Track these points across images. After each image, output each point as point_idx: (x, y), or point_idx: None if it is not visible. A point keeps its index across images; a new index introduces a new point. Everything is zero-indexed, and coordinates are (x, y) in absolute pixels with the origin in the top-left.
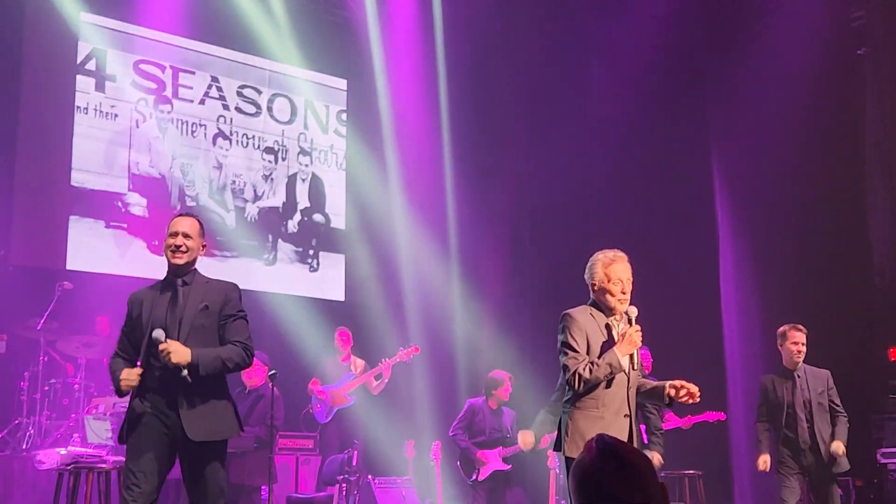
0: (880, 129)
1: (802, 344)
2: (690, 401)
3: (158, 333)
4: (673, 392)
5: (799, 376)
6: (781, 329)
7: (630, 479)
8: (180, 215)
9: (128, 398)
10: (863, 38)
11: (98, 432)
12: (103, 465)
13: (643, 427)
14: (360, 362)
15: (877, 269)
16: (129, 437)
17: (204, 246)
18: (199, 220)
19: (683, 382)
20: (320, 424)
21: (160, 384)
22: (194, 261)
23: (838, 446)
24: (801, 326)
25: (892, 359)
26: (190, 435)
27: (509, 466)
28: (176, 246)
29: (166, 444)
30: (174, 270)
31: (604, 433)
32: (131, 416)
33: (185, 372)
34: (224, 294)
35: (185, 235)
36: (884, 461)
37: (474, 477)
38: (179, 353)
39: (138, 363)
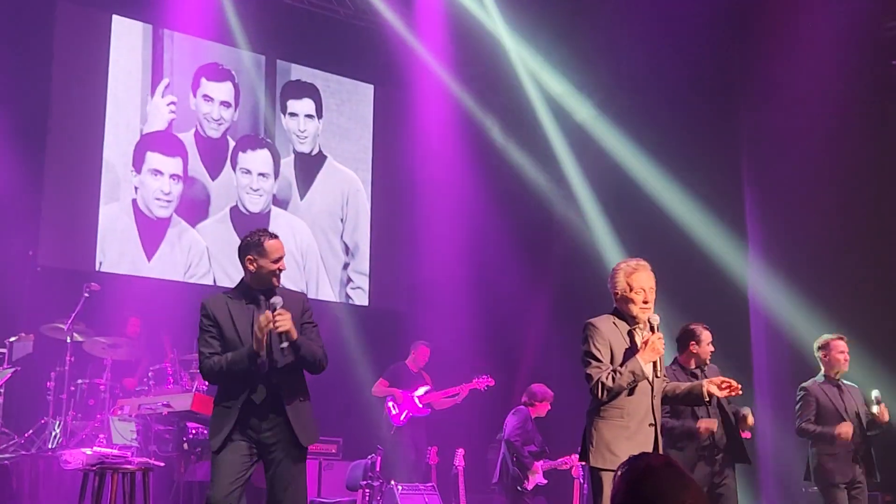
0: None
1: (848, 353)
2: (734, 394)
3: (277, 300)
4: (715, 390)
5: (844, 387)
6: (825, 339)
7: (686, 487)
8: (275, 238)
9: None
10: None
11: (123, 433)
12: (128, 466)
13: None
14: (427, 376)
15: None
16: (220, 450)
17: None
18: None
19: (724, 378)
20: (394, 428)
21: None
22: None
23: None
24: (843, 336)
25: None
26: (303, 441)
27: (546, 481)
28: (280, 270)
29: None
30: (264, 288)
31: (668, 456)
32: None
33: (286, 344)
34: (301, 303)
35: (283, 258)
36: None
37: (525, 485)
38: (291, 323)
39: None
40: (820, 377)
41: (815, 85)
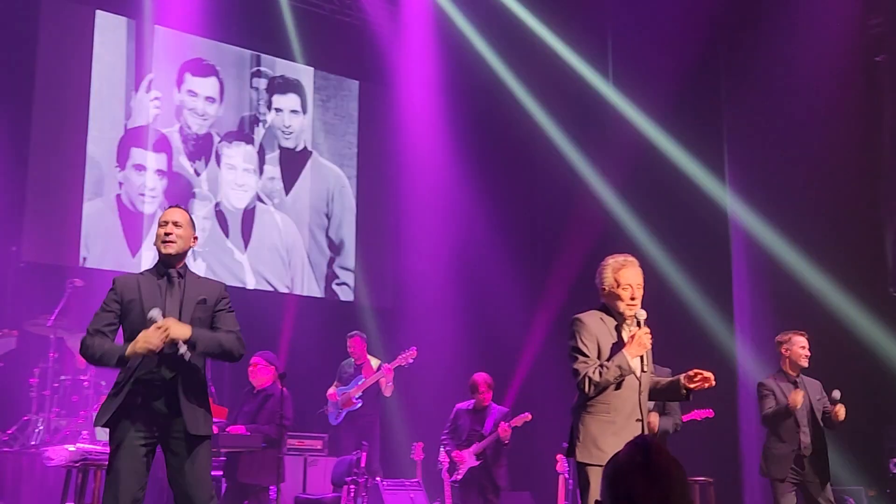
0: None
1: (808, 348)
2: (707, 385)
3: (156, 313)
4: (687, 381)
5: (799, 382)
6: (786, 335)
7: (653, 477)
8: (171, 207)
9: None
10: (880, 45)
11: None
12: None
13: None
14: (376, 362)
15: (892, 277)
16: (116, 429)
17: (195, 238)
18: (188, 213)
19: (697, 370)
20: (332, 427)
21: (156, 376)
22: (185, 253)
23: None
24: (804, 332)
25: None
26: (191, 430)
27: (480, 462)
28: (167, 234)
29: (153, 442)
30: (165, 260)
31: (646, 434)
32: (122, 404)
33: (184, 349)
34: (218, 291)
35: (176, 224)
36: None
37: (454, 477)
38: (178, 327)
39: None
40: (778, 373)
41: (801, 82)
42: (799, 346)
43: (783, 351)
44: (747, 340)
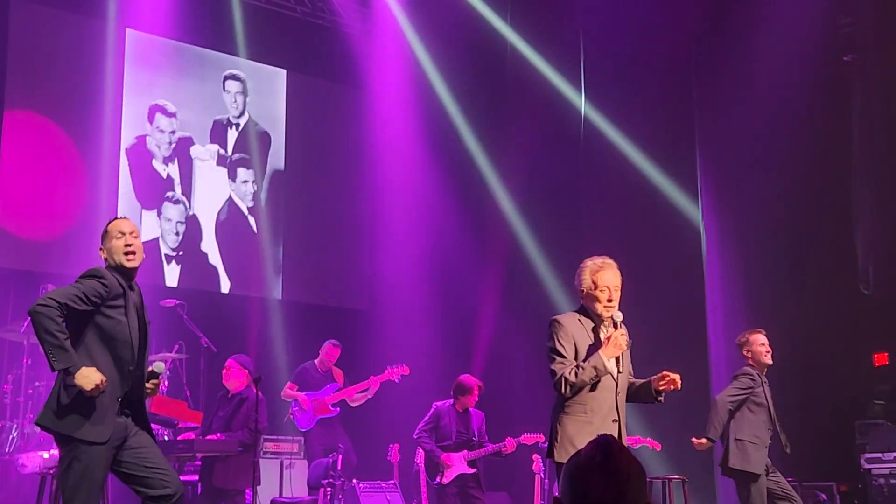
0: (867, 137)
1: (768, 344)
2: (672, 388)
3: (160, 367)
4: (656, 383)
5: (766, 379)
6: (743, 336)
7: (610, 477)
8: (120, 218)
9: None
10: (850, 45)
11: None
12: None
13: None
14: (339, 372)
15: (862, 275)
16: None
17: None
18: None
19: (665, 371)
20: (301, 432)
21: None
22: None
23: None
24: (762, 329)
25: (876, 364)
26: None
27: (474, 470)
28: (128, 245)
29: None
30: (128, 274)
31: (609, 434)
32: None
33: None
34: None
35: (134, 235)
36: (868, 466)
37: (438, 480)
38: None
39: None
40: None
41: (771, 82)
42: (759, 343)
43: (745, 353)
44: (720, 340)
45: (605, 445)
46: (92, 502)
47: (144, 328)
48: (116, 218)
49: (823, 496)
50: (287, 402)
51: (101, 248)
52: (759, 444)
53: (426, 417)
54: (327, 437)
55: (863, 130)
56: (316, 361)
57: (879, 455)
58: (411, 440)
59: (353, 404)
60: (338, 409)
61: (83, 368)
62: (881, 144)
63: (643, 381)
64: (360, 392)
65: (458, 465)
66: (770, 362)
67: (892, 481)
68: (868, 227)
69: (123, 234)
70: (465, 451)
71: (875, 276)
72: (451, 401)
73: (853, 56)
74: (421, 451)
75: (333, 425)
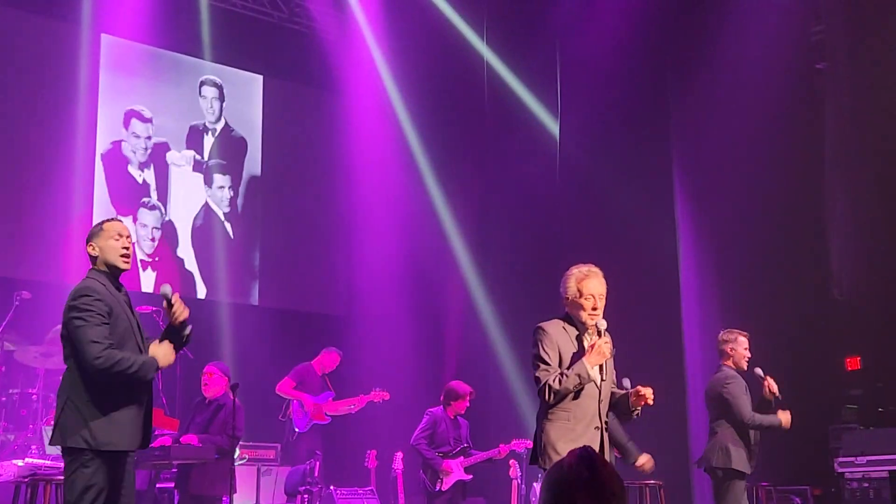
0: (839, 143)
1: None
2: (642, 403)
3: (167, 289)
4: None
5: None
6: (731, 333)
7: (596, 493)
8: (115, 219)
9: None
10: (822, 53)
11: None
12: (61, 478)
13: None
14: (329, 383)
15: (835, 280)
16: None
17: None
18: None
19: (638, 387)
20: (297, 433)
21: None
22: None
23: None
24: (745, 332)
25: (849, 369)
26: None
27: (470, 476)
28: (125, 248)
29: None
30: (116, 275)
31: (590, 446)
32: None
33: (189, 329)
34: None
35: (129, 239)
36: (841, 470)
37: (438, 487)
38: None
39: None
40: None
41: (744, 89)
42: (743, 347)
43: (728, 350)
44: (695, 345)
45: (588, 460)
46: None
47: (139, 326)
48: (113, 219)
49: (798, 500)
50: (278, 398)
51: (90, 245)
52: (739, 444)
53: (423, 424)
54: (314, 443)
55: (835, 136)
56: (314, 364)
57: (853, 459)
58: (388, 446)
59: (333, 414)
60: (330, 418)
61: (154, 357)
62: (853, 151)
63: (622, 392)
64: (348, 407)
65: (456, 471)
66: (745, 368)
67: (865, 485)
68: (841, 233)
69: (122, 236)
70: (462, 458)
71: (848, 281)
72: (442, 407)
73: (825, 64)
74: (398, 456)
75: (318, 432)
